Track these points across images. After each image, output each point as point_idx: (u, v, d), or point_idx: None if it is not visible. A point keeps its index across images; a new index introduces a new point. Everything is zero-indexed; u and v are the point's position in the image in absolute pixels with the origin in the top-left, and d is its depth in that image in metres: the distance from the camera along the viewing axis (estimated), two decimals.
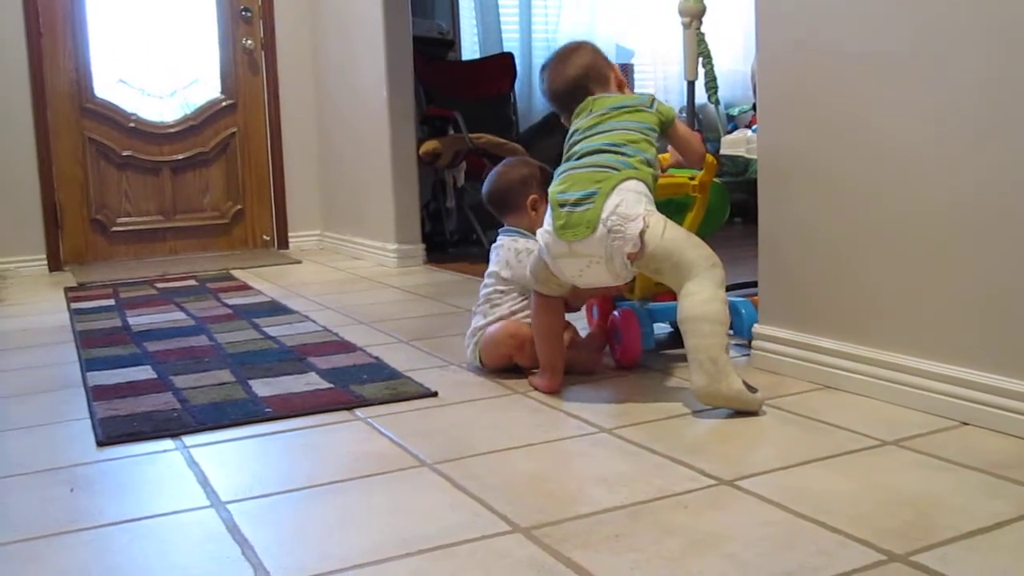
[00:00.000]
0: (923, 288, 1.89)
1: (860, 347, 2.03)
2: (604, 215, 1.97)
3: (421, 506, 1.52)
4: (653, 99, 2.18)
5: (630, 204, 1.98)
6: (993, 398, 1.76)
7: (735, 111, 5.95)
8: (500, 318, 2.32)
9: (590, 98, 2.19)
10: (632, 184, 2.01)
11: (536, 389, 2.17)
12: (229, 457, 1.83)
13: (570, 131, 2.20)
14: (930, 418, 1.84)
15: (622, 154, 2.05)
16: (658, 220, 1.99)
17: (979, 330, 1.79)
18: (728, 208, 2.62)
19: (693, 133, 2.30)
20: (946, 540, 1.32)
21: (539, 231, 2.10)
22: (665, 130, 2.18)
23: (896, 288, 1.95)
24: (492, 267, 2.40)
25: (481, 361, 2.34)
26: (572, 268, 2.05)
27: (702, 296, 1.94)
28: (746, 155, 2.74)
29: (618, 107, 2.14)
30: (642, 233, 1.96)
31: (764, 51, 2.24)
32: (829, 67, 2.05)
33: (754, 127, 2.57)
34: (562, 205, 2.02)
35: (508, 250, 2.36)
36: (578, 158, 2.09)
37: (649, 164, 2.08)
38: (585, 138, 2.12)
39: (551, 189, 2.09)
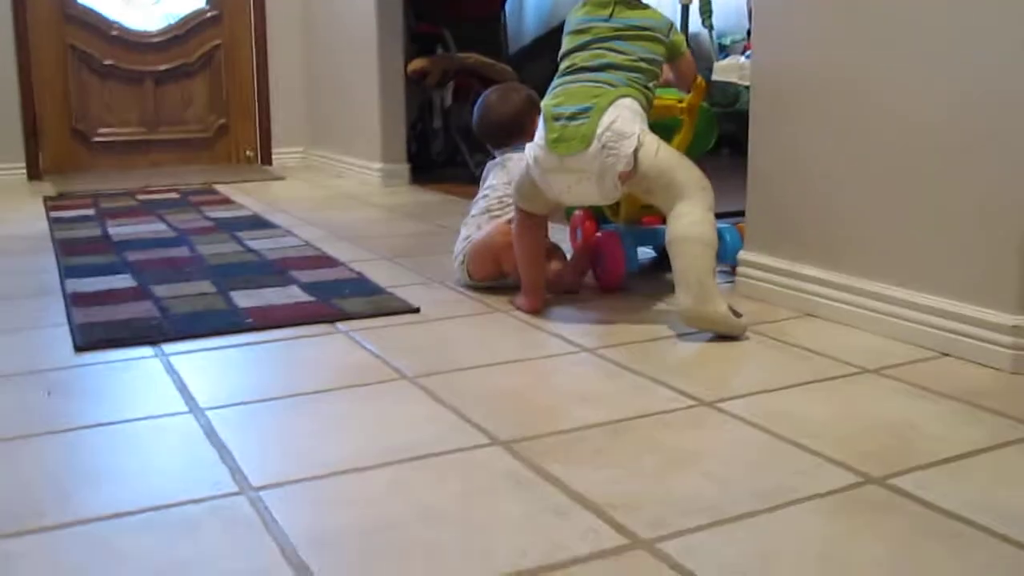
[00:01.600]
0: (906, 219, 1.88)
1: (844, 276, 2.03)
2: (599, 130, 1.94)
3: (401, 417, 1.52)
4: (671, 27, 2.12)
5: (626, 121, 1.95)
6: (973, 329, 1.76)
7: (727, 40, 5.86)
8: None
9: None
10: (628, 102, 1.98)
11: (518, 309, 2.17)
12: (209, 366, 1.82)
13: (582, 20, 2.10)
14: (911, 348, 1.85)
15: (622, 73, 2.02)
16: (652, 140, 1.96)
17: (960, 262, 1.79)
18: (715, 133, 2.60)
19: (693, 61, 2.27)
20: (922, 465, 1.33)
21: (529, 145, 2.06)
22: (673, 60, 2.16)
23: (880, 219, 1.94)
24: (496, 180, 2.38)
25: (469, 273, 2.33)
26: (561, 183, 2.02)
27: (692, 218, 1.93)
28: (739, 81, 2.71)
29: (638, 27, 2.07)
30: (636, 151, 1.93)
31: None
32: None
33: (747, 53, 2.54)
34: (556, 119, 1.99)
35: (522, 160, 2.33)
36: (577, 71, 2.05)
37: (647, 89, 2.06)
38: (593, 50, 2.06)
39: (545, 102, 2.06)
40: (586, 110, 1.97)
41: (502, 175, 2.39)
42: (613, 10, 2.09)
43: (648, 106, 2.05)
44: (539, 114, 2.34)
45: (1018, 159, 1.68)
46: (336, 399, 1.61)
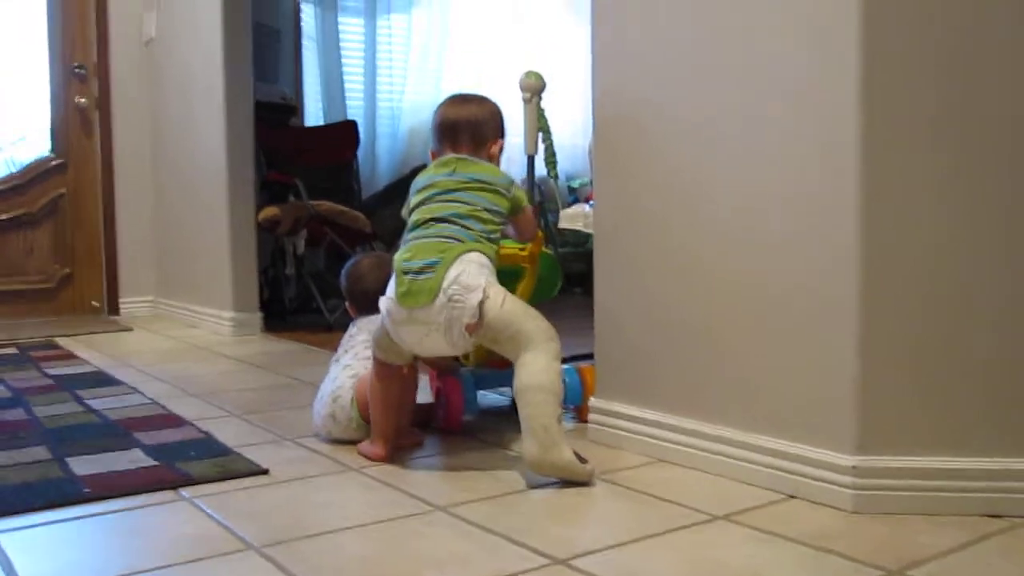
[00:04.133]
0: (748, 363, 1.95)
1: (692, 420, 2.07)
2: (445, 284, 1.99)
3: None
4: (511, 184, 2.20)
5: (471, 275, 2.00)
6: (815, 471, 1.81)
7: (576, 183, 6.07)
8: None
9: (456, 157, 2.19)
10: (474, 256, 2.04)
11: (364, 456, 2.17)
12: (40, 543, 1.71)
13: (427, 178, 2.18)
14: (759, 491, 1.88)
15: (467, 228, 2.08)
16: (498, 292, 2.02)
17: (800, 404, 1.85)
18: (560, 278, 2.66)
19: (532, 216, 2.36)
20: None
21: (382, 299, 2.09)
22: (514, 214, 2.23)
23: (725, 362, 2.00)
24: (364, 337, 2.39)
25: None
26: (412, 336, 2.05)
27: (537, 366, 1.97)
28: (584, 229, 2.79)
29: (479, 181, 2.14)
30: (481, 303, 1.98)
31: (600, 124, 2.29)
32: (664, 138, 2.11)
33: (591, 202, 2.62)
34: (405, 272, 2.04)
35: None
36: (424, 224, 2.10)
37: (492, 241, 2.12)
38: (438, 203, 2.12)
39: (396, 256, 2.10)
40: (433, 264, 2.01)
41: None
42: (455, 167, 2.17)
43: (495, 258, 2.10)
44: None
45: (846, 304, 1.76)
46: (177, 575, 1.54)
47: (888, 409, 1.77)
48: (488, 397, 2.69)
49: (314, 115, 5.97)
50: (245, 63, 4.39)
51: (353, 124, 5.55)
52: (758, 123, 1.91)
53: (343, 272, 2.61)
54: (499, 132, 2.28)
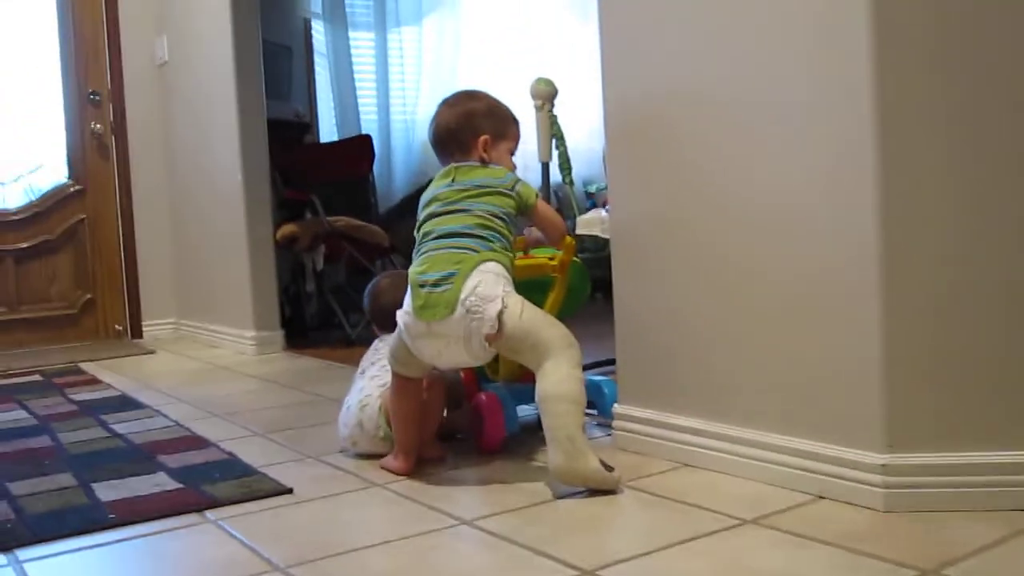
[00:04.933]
0: (776, 364, 1.92)
1: (717, 424, 2.04)
2: (463, 295, 1.97)
3: None
4: (516, 182, 2.16)
5: (489, 285, 1.98)
6: (845, 470, 1.78)
7: (593, 188, 6.05)
8: None
9: (454, 166, 2.17)
10: (491, 265, 2.02)
11: (387, 471, 2.16)
12: (66, 571, 1.71)
13: (430, 193, 2.17)
14: (788, 493, 1.85)
15: (480, 237, 2.06)
16: (516, 301, 1.99)
17: (829, 404, 1.82)
18: (589, 286, 2.64)
19: (554, 213, 2.31)
20: None
21: (399, 312, 2.08)
22: (525, 213, 2.19)
23: (750, 364, 1.97)
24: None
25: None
26: (431, 349, 2.03)
27: (558, 375, 1.95)
28: (601, 235, 2.77)
29: (481, 186, 2.12)
30: (500, 314, 1.96)
31: (610, 119, 2.28)
32: (678, 129, 2.09)
33: (608, 207, 2.60)
34: (422, 286, 2.02)
35: None
36: (436, 238, 2.08)
37: (507, 248, 2.09)
38: (445, 215, 2.10)
39: (411, 270, 2.08)
40: (450, 276, 1.99)
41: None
42: (455, 175, 2.15)
43: (511, 266, 2.08)
44: None
45: (869, 302, 1.74)
46: None
47: (916, 406, 1.74)
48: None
49: (328, 131, 5.98)
50: (257, 82, 4.41)
51: (368, 138, 5.56)
52: (777, 110, 1.88)
53: (365, 292, 2.61)
54: (483, 129, 2.19)
